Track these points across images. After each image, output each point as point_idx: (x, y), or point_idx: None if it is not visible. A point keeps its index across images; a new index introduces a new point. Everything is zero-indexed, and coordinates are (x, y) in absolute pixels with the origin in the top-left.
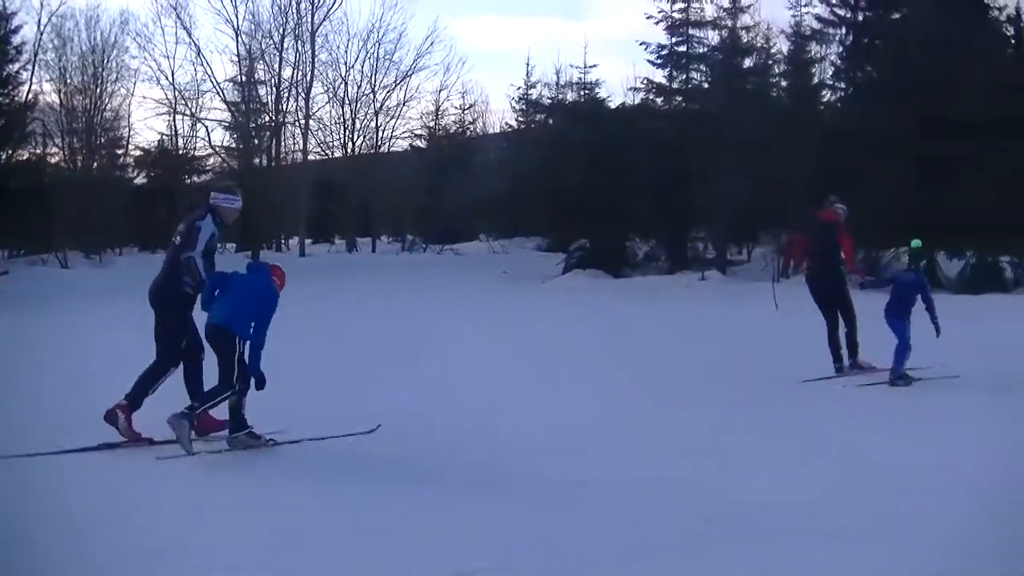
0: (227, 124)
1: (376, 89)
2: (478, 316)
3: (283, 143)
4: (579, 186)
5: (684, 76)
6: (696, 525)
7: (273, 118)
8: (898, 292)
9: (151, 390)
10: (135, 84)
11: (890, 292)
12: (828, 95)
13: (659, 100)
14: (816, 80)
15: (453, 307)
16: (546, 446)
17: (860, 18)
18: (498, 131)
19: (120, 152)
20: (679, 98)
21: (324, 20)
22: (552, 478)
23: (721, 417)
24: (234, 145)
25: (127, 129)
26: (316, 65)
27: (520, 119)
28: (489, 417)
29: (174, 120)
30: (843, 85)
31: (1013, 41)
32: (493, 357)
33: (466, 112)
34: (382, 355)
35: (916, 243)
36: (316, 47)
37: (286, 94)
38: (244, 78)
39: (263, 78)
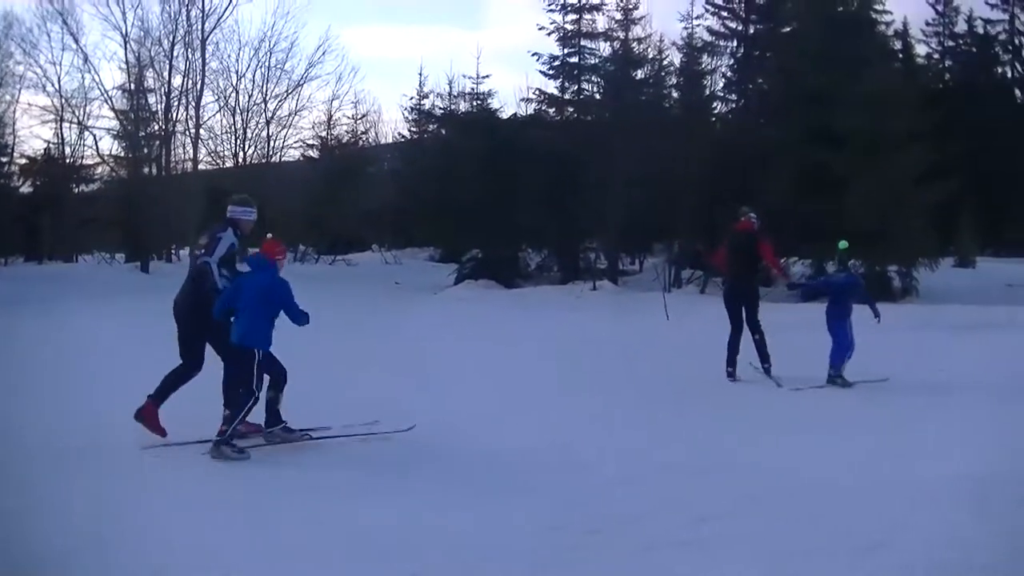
0: (116, 132)
1: (268, 98)
2: (364, 327)
3: (173, 152)
4: (471, 196)
5: (576, 87)
6: (575, 537)
7: (163, 127)
8: (833, 295)
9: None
10: (20, 90)
11: (828, 297)
12: (720, 106)
13: (551, 111)
14: (708, 92)
15: (341, 318)
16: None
17: (751, 31)
18: (391, 141)
19: (4, 160)
20: (571, 109)
21: (215, 28)
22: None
23: (610, 421)
24: (123, 154)
25: (12, 136)
26: (207, 73)
27: (413, 129)
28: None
29: (61, 128)
30: (734, 97)
31: (900, 56)
32: (358, 367)
33: (358, 122)
34: None
35: (843, 244)
36: (207, 55)
37: (176, 103)
38: (133, 86)
39: (152, 86)
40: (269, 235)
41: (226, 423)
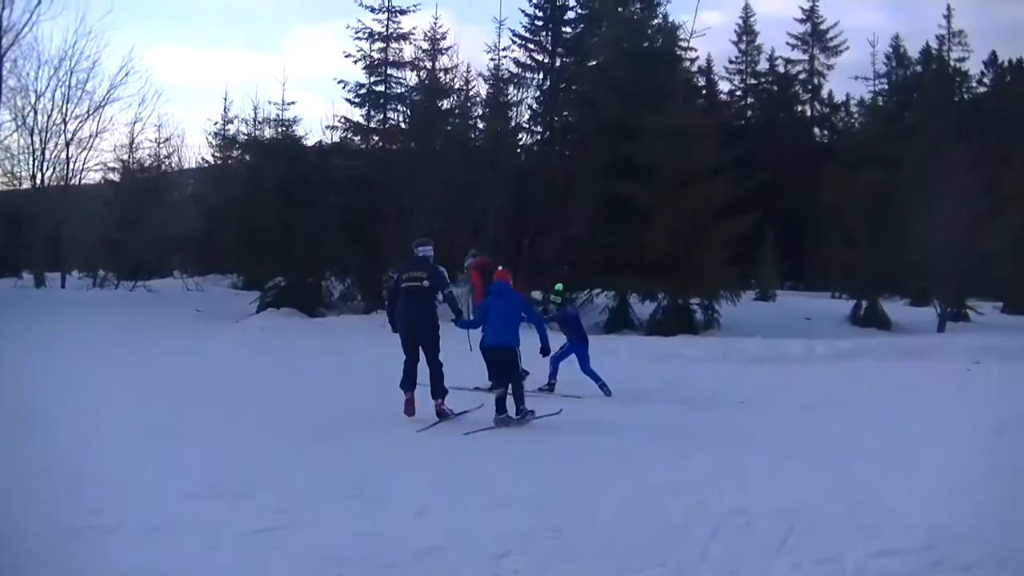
0: None
1: (68, 119)
2: (158, 355)
3: None
4: (274, 223)
5: (382, 116)
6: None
7: None
8: (569, 326)
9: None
10: None
11: (564, 328)
12: (525, 138)
13: (357, 139)
14: (514, 123)
15: (134, 347)
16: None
17: (557, 63)
18: (195, 166)
19: None
20: (376, 137)
21: (13, 44)
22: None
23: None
24: None
25: None
26: (3, 91)
27: (217, 155)
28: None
29: None
30: (540, 128)
31: (704, 91)
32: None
33: (162, 146)
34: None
35: (559, 287)
36: (3, 72)
37: None
38: None
39: None
40: (500, 267)
41: (518, 403)
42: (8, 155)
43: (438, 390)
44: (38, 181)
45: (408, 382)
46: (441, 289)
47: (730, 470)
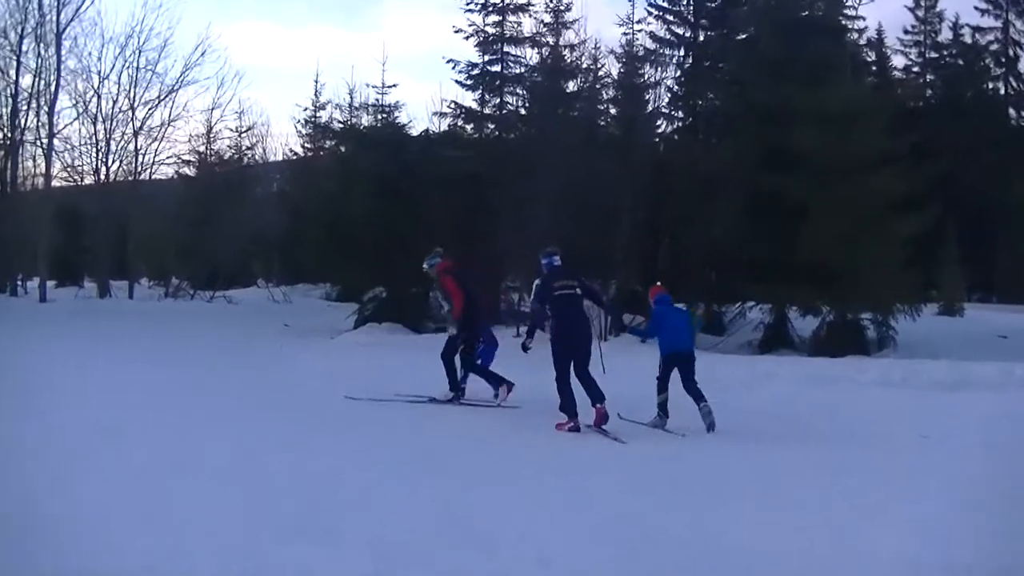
0: None
1: (136, 105)
2: (239, 380)
3: (21, 165)
4: (374, 225)
5: (498, 100)
6: None
7: (8, 135)
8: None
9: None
10: None
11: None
12: (663, 124)
13: (469, 127)
14: (650, 107)
15: (218, 369)
16: None
17: (700, 37)
18: (281, 158)
19: None
20: (492, 125)
21: (72, 20)
22: None
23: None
24: None
25: None
26: (62, 73)
27: (307, 145)
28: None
29: None
30: (680, 113)
31: (874, 68)
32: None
33: (243, 135)
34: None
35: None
36: (63, 52)
37: (25, 106)
38: None
39: None
40: (659, 283)
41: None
42: (69, 146)
43: (600, 394)
44: (102, 176)
45: (575, 404)
46: (599, 298)
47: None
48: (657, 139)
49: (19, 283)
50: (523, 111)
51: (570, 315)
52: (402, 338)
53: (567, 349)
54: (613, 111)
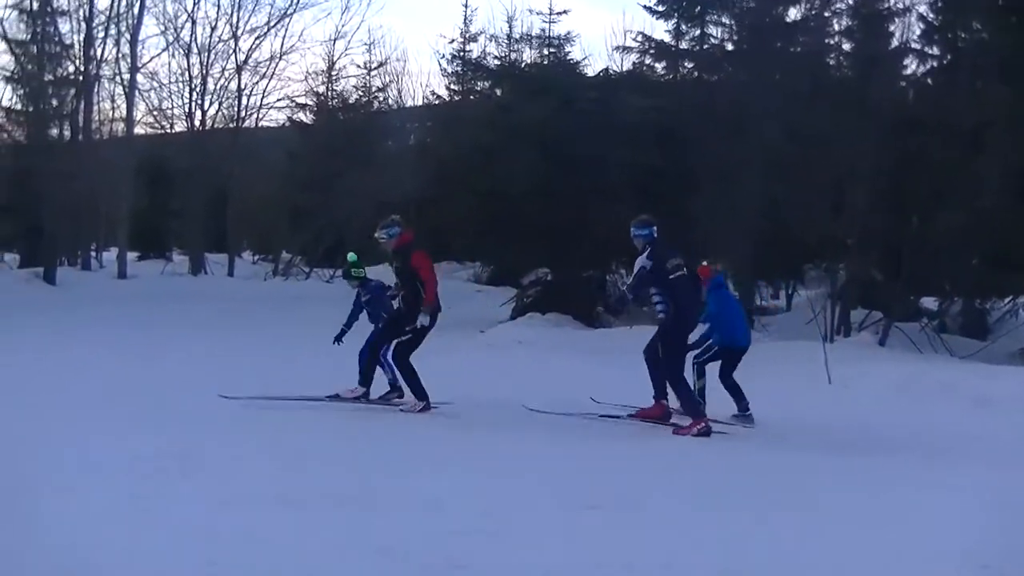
0: (8, 73)
1: (239, 33)
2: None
3: (96, 107)
4: (534, 189)
5: (698, 31)
6: None
7: (80, 68)
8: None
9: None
10: None
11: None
12: (913, 65)
13: (659, 66)
14: (895, 42)
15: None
16: None
17: None
18: (420, 103)
19: None
20: (689, 64)
21: None
22: None
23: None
24: (19, 106)
25: None
26: None
27: (453, 87)
28: None
29: None
30: (935, 51)
31: None
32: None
33: (373, 74)
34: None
35: (353, 257)
36: None
37: (101, 33)
38: (36, 4)
39: (66, 7)
40: (704, 262)
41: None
42: (155, 84)
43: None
44: (196, 122)
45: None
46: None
47: None
48: (904, 84)
49: (93, 254)
50: (730, 46)
51: (693, 302)
52: (571, 333)
53: (686, 338)
54: (846, 47)
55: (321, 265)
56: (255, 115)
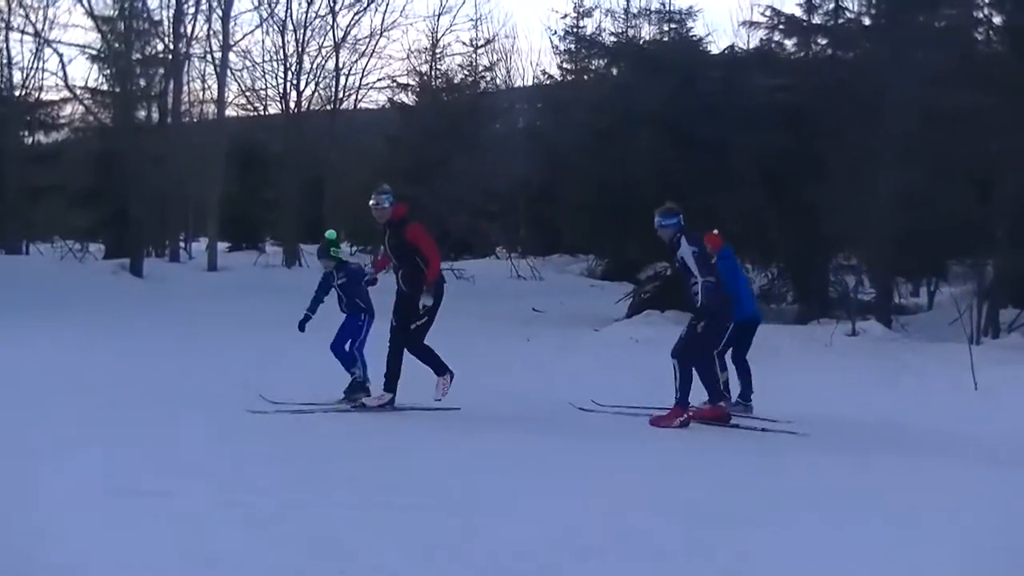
0: (95, 52)
1: (337, 8)
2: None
3: (185, 88)
4: (655, 177)
5: (832, 4)
6: None
7: (170, 46)
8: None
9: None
10: None
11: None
12: None
13: (789, 43)
14: None
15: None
16: None
17: None
18: (530, 83)
19: None
20: (822, 40)
21: None
22: None
23: None
24: (105, 87)
25: None
26: None
27: (565, 67)
28: None
29: (7, 40)
30: None
31: None
32: None
33: (480, 52)
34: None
35: (332, 234)
36: None
37: (192, 9)
38: None
39: None
40: (715, 231)
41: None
42: (248, 63)
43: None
44: (291, 104)
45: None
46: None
47: None
48: None
49: (182, 244)
50: (867, 21)
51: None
52: None
53: (725, 330)
54: (997, 20)
55: None
56: (353, 96)
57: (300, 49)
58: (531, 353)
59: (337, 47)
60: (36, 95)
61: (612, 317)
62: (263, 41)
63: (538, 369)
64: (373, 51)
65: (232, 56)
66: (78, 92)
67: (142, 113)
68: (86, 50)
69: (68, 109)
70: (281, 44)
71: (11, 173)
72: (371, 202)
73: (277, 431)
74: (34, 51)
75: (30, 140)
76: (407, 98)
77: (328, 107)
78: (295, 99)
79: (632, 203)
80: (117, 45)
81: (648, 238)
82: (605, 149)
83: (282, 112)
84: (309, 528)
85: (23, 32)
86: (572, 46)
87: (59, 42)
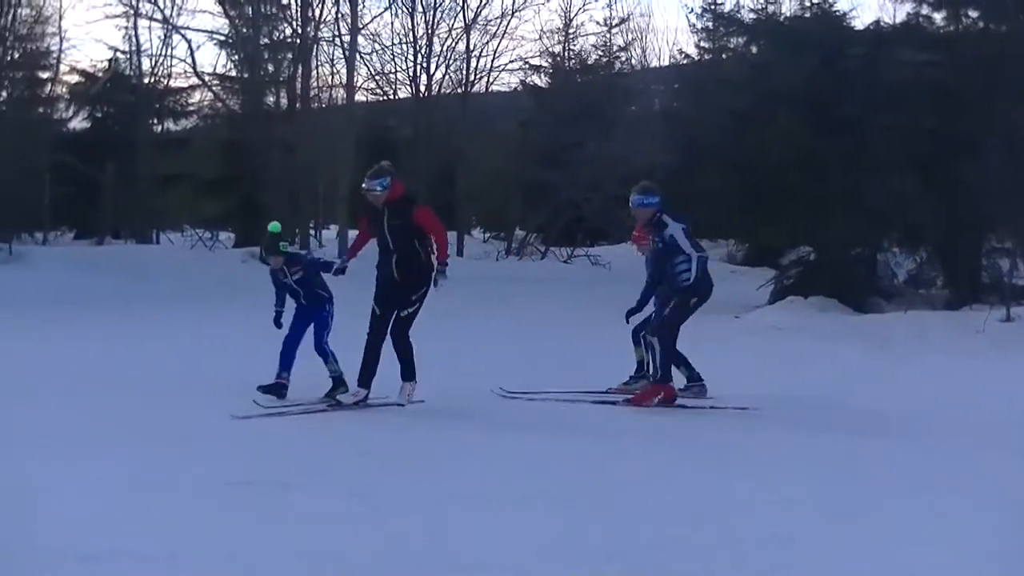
0: (222, 38)
1: None
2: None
3: (314, 72)
4: (797, 159)
5: None
6: None
7: (298, 30)
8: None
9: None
10: None
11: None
12: None
13: (938, 16)
14: None
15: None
16: None
17: None
18: (666, 63)
19: (45, 77)
20: (974, 13)
21: None
22: None
23: None
24: (233, 72)
25: (58, 39)
26: None
27: (703, 45)
28: None
29: (135, 27)
30: None
31: None
32: None
33: (614, 31)
34: None
35: (276, 227)
36: None
37: None
38: None
39: None
40: None
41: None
42: (377, 47)
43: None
44: (421, 87)
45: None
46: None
47: None
48: None
49: (312, 232)
50: None
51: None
52: (837, 319)
53: (696, 307)
54: None
55: (559, 244)
56: (485, 79)
57: (430, 31)
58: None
59: (468, 28)
60: (165, 82)
61: (753, 304)
62: (392, 23)
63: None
64: (505, 32)
65: (361, 39)
66: (206, 78)
67: (270, 99)
68: (214, 36)
69: (196, 96)
70: (410, 26)
71: (141, 162)
72: (363, 187)
73: (355, 424)
74: (162, 38)
75: (159, 128)
76: (540, 80)
77: (459, 90)
78: (425, 82)
79: (772, 186)
80: (245, 30)
81: (789, 222)
82: (744, 130)
83: (412, 96)
84: (423, 521)
85: (151, 19)
86: (710, 24)
87: (187, 28)
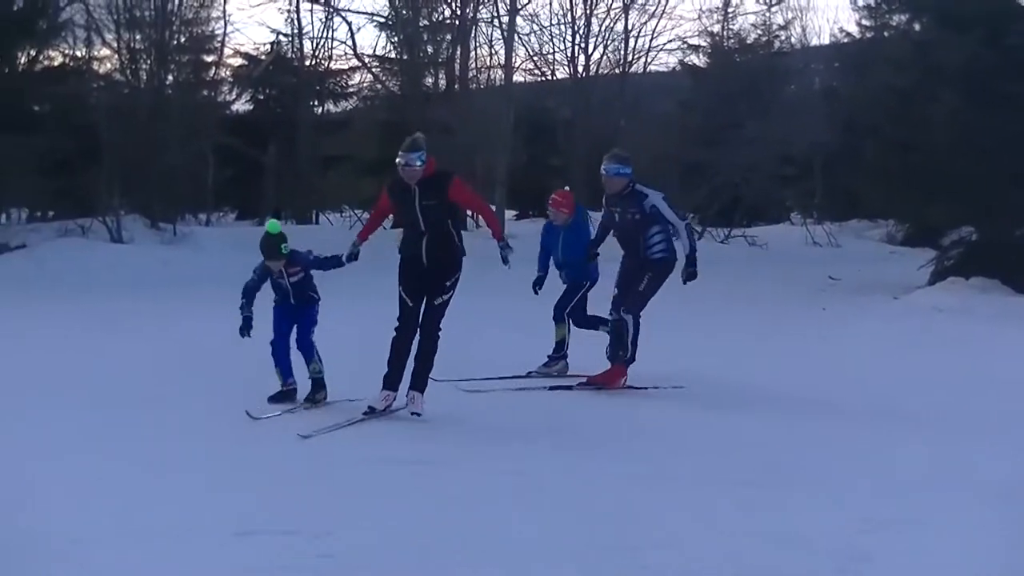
0: (382, 20)
1: None
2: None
3: (473, 53)
4: (959, 138)
5: None
6: None
7: (457, 11)
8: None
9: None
10: None
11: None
12: None
13: None
14: None
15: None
16: None
17: None
18: (827, 43)
19: (209, 61)
20: None
21: None
22: None
23: None
24: (393, 54)
25: (221, 23)
26: None
27: (864, 23)
28: None
29: (297, 11)
30: None
31: None
32: None
33: (774, 9)
34: None
35: (274, 226)
36: None
37: None
38: None
39: None
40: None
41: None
42: (536, 28)
43: None
44: (579, 68)
45: None
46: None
47: None
48: None
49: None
50: None
51: None
52: (1001, 300)
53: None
54: None
55: (716, 225)
56: (643, 59)
57: (588, 11)
58: (823, 321)
59: (626, 8)
60: (326, 65)
61: (913, 284)
62: (550, 4)
63: (830, 341)
64: (663, 11)
65: (519, 20)
66: (366, 60)
67: (429, 80)
68: (374, 18)
69: (356, 78)
70: (569, 7)
71: (302, 143)
72: (399, 161)
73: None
74: (324, 20)
75: (320, 110)
76: (698, 60)
77: (617, 71)
78: (583, 63)
79: (933, 166)
80: (405, 12)
81: (951, 201)
82: (906, 109)
83: (570, 77)
84: (581, 496)
85: (313, 2)
86: (871, 1)
87: (348, 11)
